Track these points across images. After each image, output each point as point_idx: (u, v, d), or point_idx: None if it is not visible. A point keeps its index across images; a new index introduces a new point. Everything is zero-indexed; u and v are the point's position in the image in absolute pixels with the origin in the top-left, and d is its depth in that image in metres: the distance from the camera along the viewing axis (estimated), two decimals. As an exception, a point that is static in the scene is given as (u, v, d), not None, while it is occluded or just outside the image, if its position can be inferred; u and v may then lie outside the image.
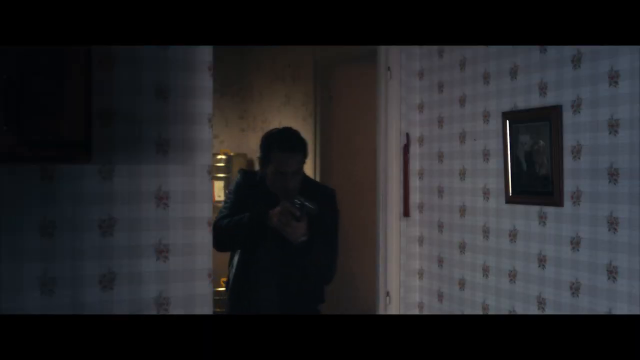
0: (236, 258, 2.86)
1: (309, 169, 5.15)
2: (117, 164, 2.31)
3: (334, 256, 2.85)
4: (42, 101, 1.89)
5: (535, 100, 2.64)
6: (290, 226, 2.62)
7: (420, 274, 3.37)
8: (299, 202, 2.63)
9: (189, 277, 2.44)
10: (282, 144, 2.75)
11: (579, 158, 2.45)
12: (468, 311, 3.03)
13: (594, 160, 2.39)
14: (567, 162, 2.50)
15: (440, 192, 3.22)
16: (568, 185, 2.50)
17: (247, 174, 3.00)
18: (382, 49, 3.36)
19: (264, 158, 2.82)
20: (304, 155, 2.81)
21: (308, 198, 2.66)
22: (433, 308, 3.28)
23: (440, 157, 3.21)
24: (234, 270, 2.85)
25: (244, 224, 2.71)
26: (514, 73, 2.75)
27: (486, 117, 2.91)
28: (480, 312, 2.96)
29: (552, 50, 2.56)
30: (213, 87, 2.49)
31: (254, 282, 2.79)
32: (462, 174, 3.07)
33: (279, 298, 2.76)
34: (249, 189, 2.87)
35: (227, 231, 2.74)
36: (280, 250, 2.74)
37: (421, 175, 3.36)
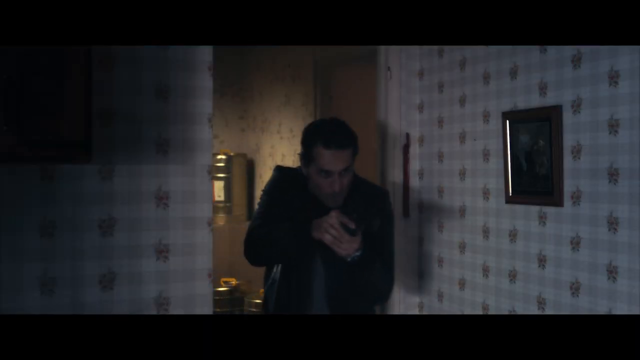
0: (275, 274, 2.46)
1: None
2: (117, 164, 2.31)
3: (392, 271, 2.41)
4: (42, 101, 1.89)
5: (535, 100, 2.64)
6: (343, 241, 2.14)
7: (420, 274, 3.37)
8: (355, 213, 2.14)
9: (189, 277, 2.44)
10: (326, 139, 2.29)
11: (579, 158, 2.45)
12: (468, 311, 3.03)
13: (594, 160, 2.39)
14: (567, 162, 2.50)
15: (440, 192, 3.22)
16: (568, 185, 2.50)
17: (284, 171, 2.53)
18: (382, 49, 3.36)
19: (306, 155, 2.36)
20: (354, 151, 2.34)
21: (361, 202, 2.19)
22: (433, 308, 3.28)
23: (440, 157, 3.21)
24: (274, 292, 2.45)
25: (284, 236, 2.25)
26: (514, 73, 2.75)
27: (486, 117, 2.91)
28: (480, 312, 2.96)
29: (552, 50, 2.56)
30: (213, 87, 2.49)
31: (298, 301, 2.40)
32: (462, 174, 3.07)
33: None
34: (287, 190, 2.43)
35: (263, 243, 2.31)
36: (330, 266, 2.35)
37: (421, 175, 3.36)
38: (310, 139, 2.34)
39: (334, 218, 2.14)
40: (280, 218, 2.31)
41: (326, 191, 2.32)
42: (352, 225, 2.13)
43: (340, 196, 2.31)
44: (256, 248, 2.34)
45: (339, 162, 2.29)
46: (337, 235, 2.13)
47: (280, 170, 2.54)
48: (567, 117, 2.49)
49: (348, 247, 2.15)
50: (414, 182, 3.36)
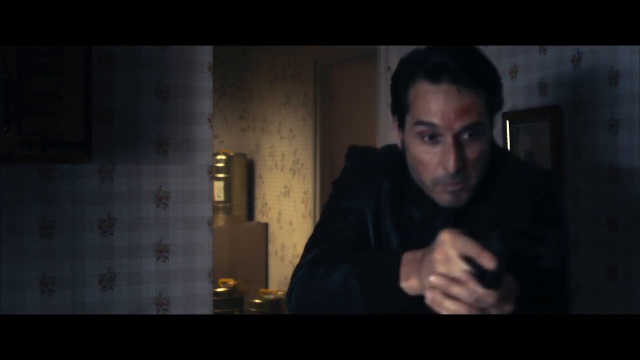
0: None
1: (307, 169, 5.14)
2: (117, 164, 2.31)
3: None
4: (42, 101, 1.89)
5: (535, 100, 2.64)
6: (470, 300, 1.04)
7: (420, 274, 3.37)
8: (496, 230, 0.98)
9: (189, 277, 2.44)
10: (433, 65, 1.30)
11: (579, 158, 2.45)
12: (468, 311, 3.03)
13: (594, 161, 2.39)
14: (567, 162, 2.50)
15: (440, 192, 3.22)
16: (568, 185, 2.50)
17: (361, 153, 1.45)
18: (382, 49, 3.36)
19: (399, 105, 1.30)
20: (491, 98, 1.28)
21: (509, 204, 1.23)
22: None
23: (440, 157, 3.21)
24: None
25: (343, 286, 1.24)
26: (514, 73, 2.75)
27: (486, 117, 2.91)
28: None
29: (552, 50, 2.56)
30: (213, 87, 2.50)
31: None
32: (462, 174, 3.07)
33: None
34: (367, 181, 1.35)
35: (318, 297, 1.33)
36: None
37: (421, 175, 3.36)
38: (406, 70, 1.32)
39: (448, 248, 1.00)
40: (352, 243, 1.32)
41: (433, 173, 1.23)
42: (490, 263, 0.97)
43: (462, 186, 1.23)
44: (307, 300, 1.39)
45: (457, 112, 1.20)
46: (457, 291, 1.02)
47: (354, 152, 1.46)
48: (567, 117, 2.49)
49: (486, 305, 1.05)
50: (414, 182, 3.36)
